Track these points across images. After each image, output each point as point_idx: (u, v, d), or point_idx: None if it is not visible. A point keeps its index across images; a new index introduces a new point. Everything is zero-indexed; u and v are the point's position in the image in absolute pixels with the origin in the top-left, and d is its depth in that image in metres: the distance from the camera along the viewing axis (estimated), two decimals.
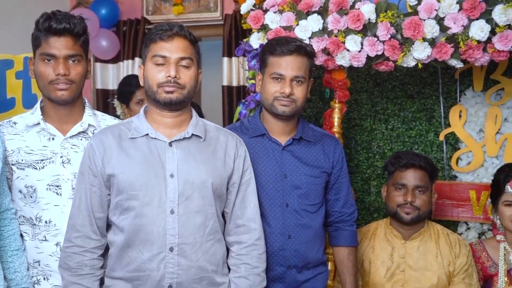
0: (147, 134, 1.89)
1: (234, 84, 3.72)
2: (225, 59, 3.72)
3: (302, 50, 2.13)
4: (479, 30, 2.20)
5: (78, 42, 2.04)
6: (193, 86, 1.91)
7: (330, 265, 2.47)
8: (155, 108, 1.92)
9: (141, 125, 1.92)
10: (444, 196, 3.02)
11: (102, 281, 1.92)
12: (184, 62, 1.88)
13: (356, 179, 3.20)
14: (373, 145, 3.20)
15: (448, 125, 3.06)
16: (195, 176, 1.87)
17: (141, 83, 1.95)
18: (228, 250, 2.00)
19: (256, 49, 2.54)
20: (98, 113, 2.23)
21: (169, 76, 1.85)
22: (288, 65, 2.11)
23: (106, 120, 2.20)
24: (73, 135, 2.08)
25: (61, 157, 2.04)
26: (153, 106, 1.93)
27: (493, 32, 2.21)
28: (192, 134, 1.92)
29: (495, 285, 2.46)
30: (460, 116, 3.04)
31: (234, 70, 3.72)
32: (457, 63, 2.33)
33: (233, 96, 3.70)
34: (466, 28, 2.23)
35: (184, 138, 1.91)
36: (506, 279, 2.45)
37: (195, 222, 1.87)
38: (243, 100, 2.64)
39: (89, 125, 2.11)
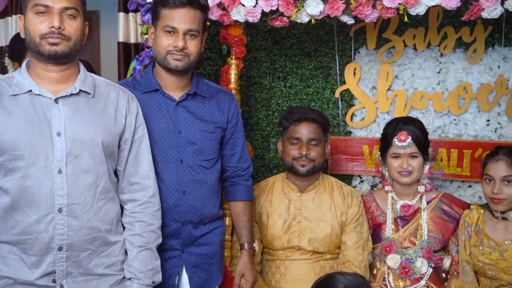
0: (30, 91, 1.79)
1: (132, 41, 3.58)
2: (121, 14, 3.55)
3: (196, 2, 2.08)
4: None
5: None
6: (79, 38, 1.82)
7: (227, 220, 2.51)
8: (38, 62, 1.81)
9: (23, 81, 1.80)
10: (340, 151, 3.13)
11: None
12: (68, 12, 1.78)
13: (255, 137, 3.24)
14: (272, 102, 3.24)
15: (344, 83, 3.15)
16: (83, 134, 1.80)
17: (22, 35, 1.83)
18: (122, 208, 1.96)
19: (150, 3, 2.45)
20: None
21: (53, 27, 1.74)
22: (181, 18, 2.06)
23: None
24: None
25: None
26: (36, 59, 1.81)
27: None
28: (80, 90, 1.84)
29: (384, 232, 2.60)
30: (354, 73, 3.13)
31: (131, 26, 3.58)
32: (348, 19, 2.38)
33: (130, 53, 3.56)
34: None
35: (72, 94, 1.82)
36: (393, 226, 2.60)
37: (85, 181, 1.81)
38: (137, 56, 2.56)
39: None
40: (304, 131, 2.50)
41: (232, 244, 2.56)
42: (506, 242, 2.36)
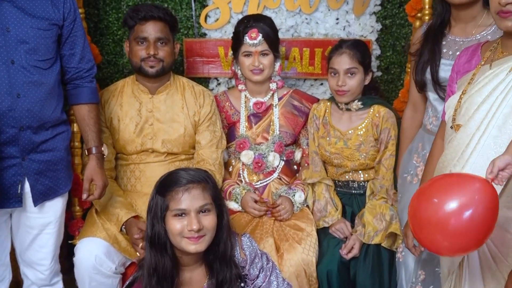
0: None
1: None
2: None
3: None
4: None
5: None
6: None
7: (75, 127, 2.39)
8: None
9: None
10: (195, 54, 3.07)
11: None
12: None
13: (107, 42, 3.06)
14: (122, 4, 3.04)
15: None
16: None
17: None
18: None
19: None
20: None
21: None
22: None
23: None
24: None
25: None
26: None
27: None
28: None
29: (238, 130, 2.65)
30: None
31: None
32: None
33: None
34: None
35: None
36: (246, 124, 2.65)
37: None
38: None
39: None
40: (151, 30, 2.40)
41: (82, 151, 2.46)
42: (350, 132, 2.50)
